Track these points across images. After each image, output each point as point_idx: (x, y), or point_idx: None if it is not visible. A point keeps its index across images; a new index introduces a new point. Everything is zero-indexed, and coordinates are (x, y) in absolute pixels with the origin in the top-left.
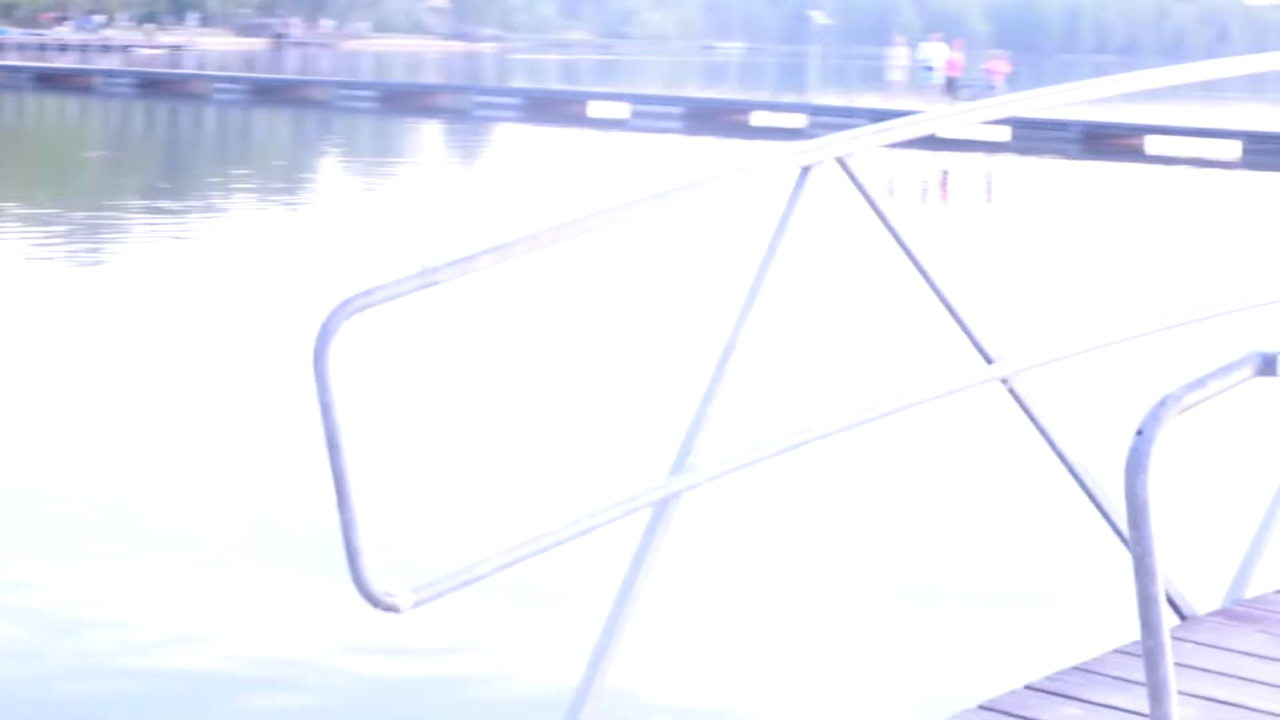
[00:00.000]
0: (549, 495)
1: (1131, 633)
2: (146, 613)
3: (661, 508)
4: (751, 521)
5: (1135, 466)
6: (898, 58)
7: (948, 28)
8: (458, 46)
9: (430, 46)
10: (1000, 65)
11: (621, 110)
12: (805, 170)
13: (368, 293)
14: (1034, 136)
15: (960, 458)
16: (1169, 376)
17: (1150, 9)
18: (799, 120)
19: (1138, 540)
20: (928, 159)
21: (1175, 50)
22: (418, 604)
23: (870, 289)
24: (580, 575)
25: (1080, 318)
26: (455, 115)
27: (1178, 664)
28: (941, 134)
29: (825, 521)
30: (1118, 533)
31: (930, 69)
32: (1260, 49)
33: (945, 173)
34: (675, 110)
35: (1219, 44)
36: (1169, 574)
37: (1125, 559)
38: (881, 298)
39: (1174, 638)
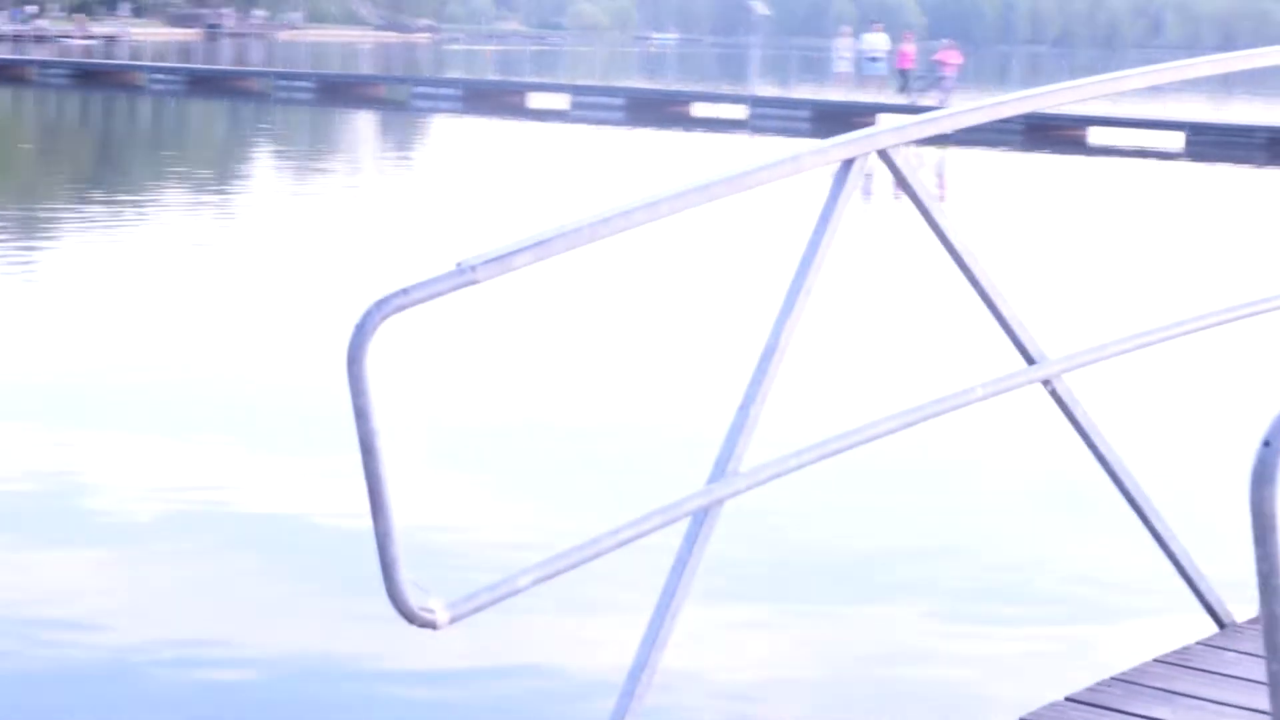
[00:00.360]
0: (589, 504)
1: (1170, 641)
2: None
3: (701, 516)
4: (787, 526)
5: (1262, 479)
6: (844, 49)
7: (884, 18)
8: (392, 37)
9: (364, 37)
10: (952, 56)
11: (561, 101)
12: (847, 163)
13: (404, 292)
14: (976, 128)
15: (1000, 458)
16: (1205, 377)
17: (1084, 0)
18: (740, 111)
19: (1264, 557)
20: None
21: (1109, 42)
22: (454, 619)
23: (911, 285)
24: (620, 586)
25: (1108, 316)
26: (394, 106)
27: (1219, 674)
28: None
29: (864, 525)
30: (1156, 538)
31: (875, 60)
32: (1194, 41)
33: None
34: (616, 101)
35: (1153, 35)
36: (1204, 578)
37: (1162, 564)
38: (923, 294)
39: (1213, 646)
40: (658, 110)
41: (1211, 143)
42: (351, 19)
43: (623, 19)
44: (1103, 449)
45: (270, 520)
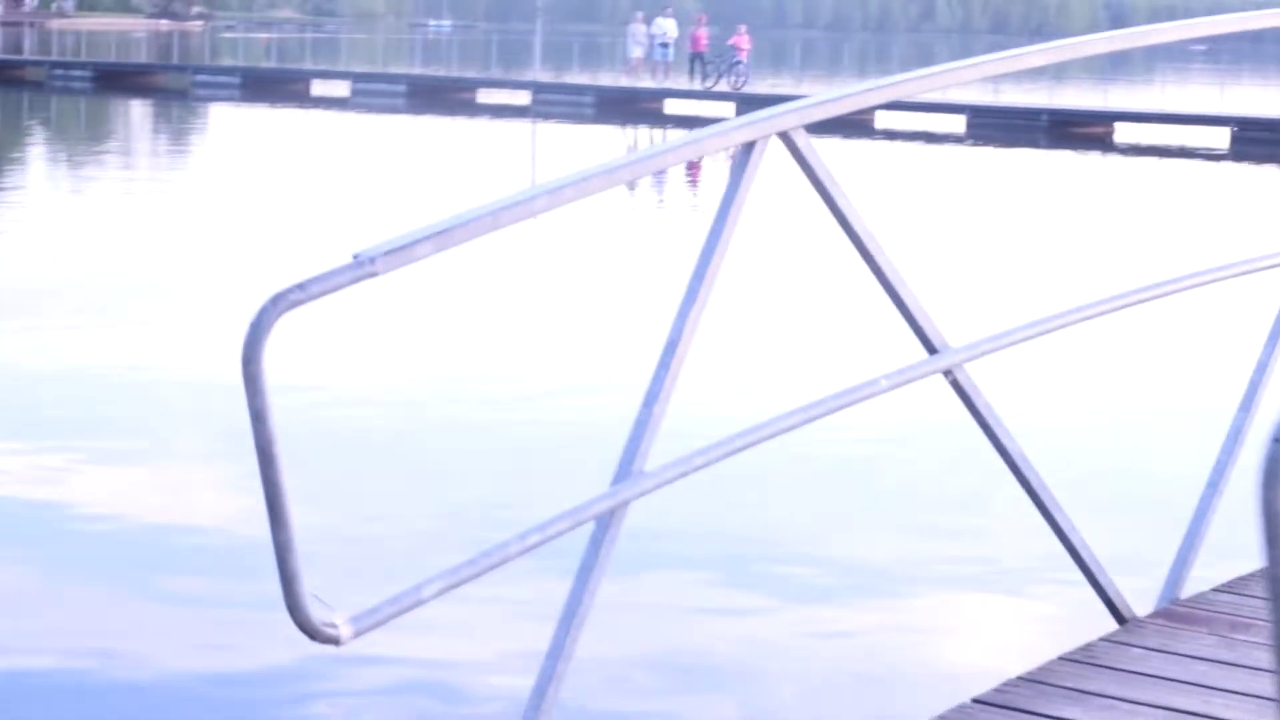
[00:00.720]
0: (488, 507)
1: (1073, 638)
2: None
3: (606, 519)
4: (691, 524)
5: (1274, 477)
6: (638, 34)
7: (658, 5)
8: (165, 25)
9: (137, 25)
10: (742, 40)
11: (343, 89)
12: (748, 146)
13: (300, 287)
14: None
15: (902, 446)
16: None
17: None
18: (523, 98)
19: (1276, 560)
20: (656, 136)
21: (882, 25)
22: (358, 634)
23: (811, 271)
24: (522, 592)
25: (1000, 303)
26: (175, 95)
27: (1126, 670)
28: (670, 111)
29: (749, 521)
30: (1056, 530)
31: (666, 45)
32: (966, 26)
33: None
34: (398, 88)
35: (925, 20)
36: (1105, 572)
37: (1062, 559)
38: (823, 280)
39: (1118, 642)
40: (441, 97)
41: (992, 125)
42: (123, 7)
43: (398, 6)
44: (1004, 439)
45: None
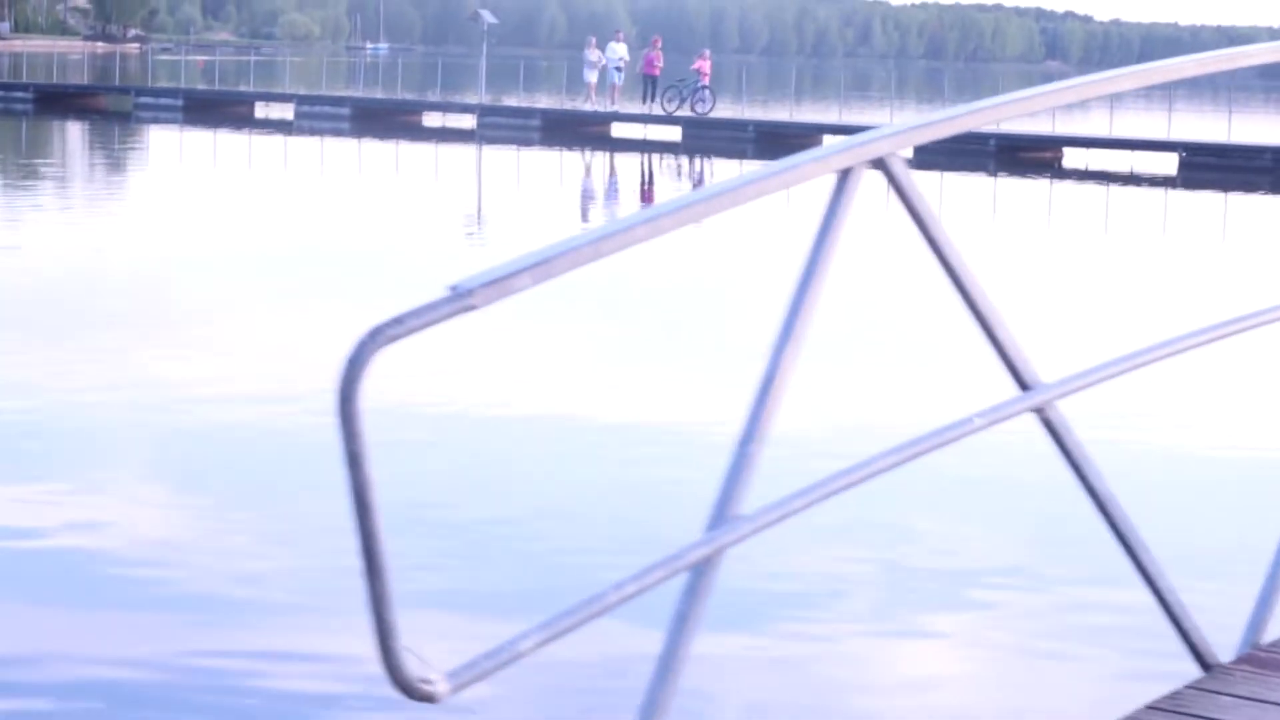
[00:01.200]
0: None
1: (1162, 685)
2: None
3: (703, 566)
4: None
5: None
6: (593, 59)
7: (594, 28)
8: (101, 47)
9: (73, 47)
10: (704, 64)
11: (287, 111)
12: (844, 174)
13: (398, 320)
14: (706, 136)
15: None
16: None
17: (793, 10)
18: (469, 121)
19: None
20: (603, 159)
21: (817, 50)
22: (456, 689)
23: (905, 302)
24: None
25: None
26: (117, 117)
27: None
28: (618, 135)
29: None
30: (1144, 575)
31: (620, 69)
32: (901, 50)
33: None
34: (343, 111)
35: (861, 44)
36: (1191, 618)
37: (1150, 607)
38: (917, 313)
39: (1205, 690)
40: (386, 119)
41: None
42: (59, 30)
43: (334, 29)
44: (1093, 479)
45: None
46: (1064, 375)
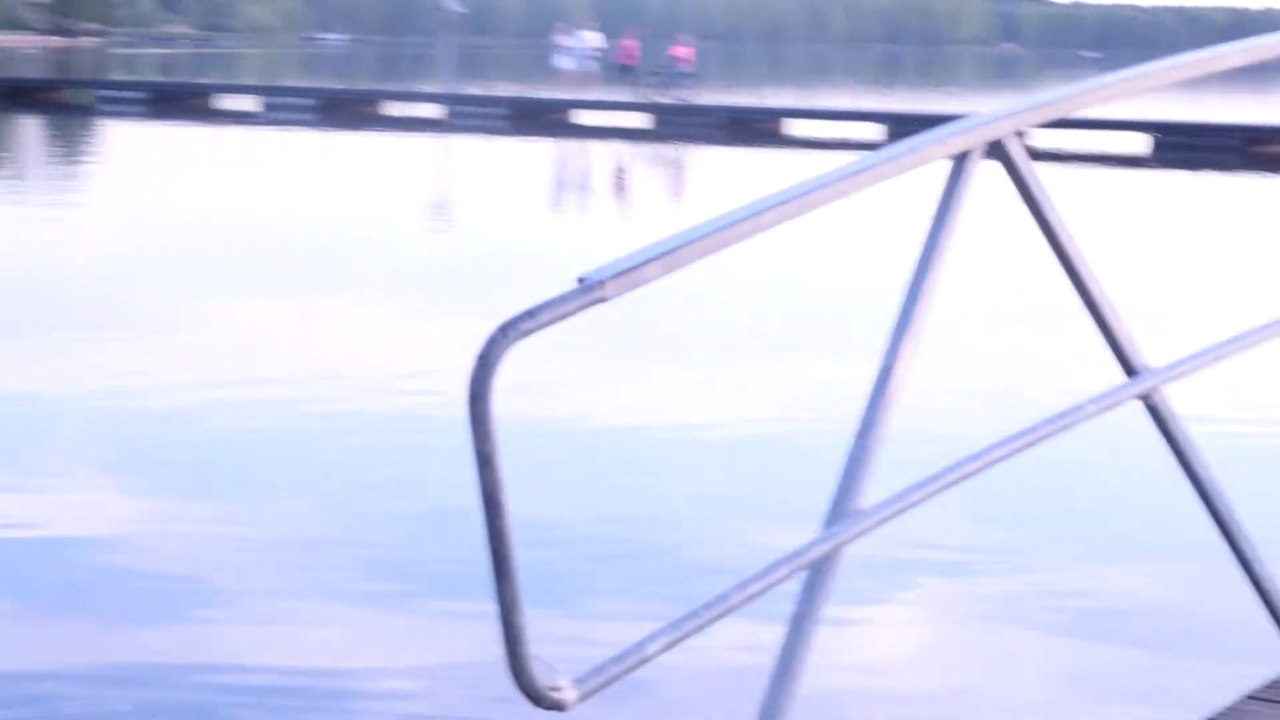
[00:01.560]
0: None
1: (1261, 674)
2: None
3: (823, 563)
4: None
5: None
6: (567, 43)
7: (551, 15)
8: (58, 42)
9: (29, 41)
10: (685, 51)
11: (252, 103)
12: (960, 158)
13: (530, 314)
14: (675, 122)
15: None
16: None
17: None
18: (437, 110)
19: None
20: (579, 147)
21: (775, 36)
22: (584, 696)
23: (1017, 288)
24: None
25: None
26: (78, 111)
27: None
28: (588, 122)
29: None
30: (1243, 563)
31: (595, 59)
32: (859, 36)
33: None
34: (308, 102)
35: (819, 31)
36: None
37: (1245, 595)
38: (1029, 298)
39: None
40: (352, 110)
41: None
42: (14, 24)
43: (289, 19)
44: (1198, 467)
45: None
46: (1169, 361)
